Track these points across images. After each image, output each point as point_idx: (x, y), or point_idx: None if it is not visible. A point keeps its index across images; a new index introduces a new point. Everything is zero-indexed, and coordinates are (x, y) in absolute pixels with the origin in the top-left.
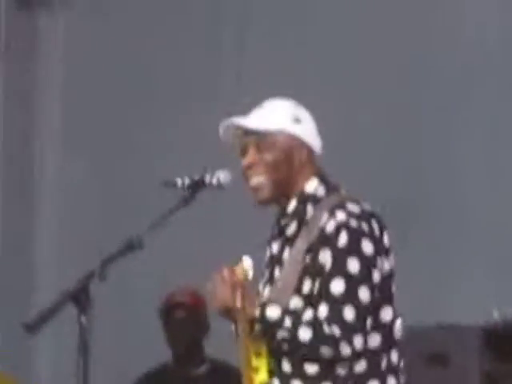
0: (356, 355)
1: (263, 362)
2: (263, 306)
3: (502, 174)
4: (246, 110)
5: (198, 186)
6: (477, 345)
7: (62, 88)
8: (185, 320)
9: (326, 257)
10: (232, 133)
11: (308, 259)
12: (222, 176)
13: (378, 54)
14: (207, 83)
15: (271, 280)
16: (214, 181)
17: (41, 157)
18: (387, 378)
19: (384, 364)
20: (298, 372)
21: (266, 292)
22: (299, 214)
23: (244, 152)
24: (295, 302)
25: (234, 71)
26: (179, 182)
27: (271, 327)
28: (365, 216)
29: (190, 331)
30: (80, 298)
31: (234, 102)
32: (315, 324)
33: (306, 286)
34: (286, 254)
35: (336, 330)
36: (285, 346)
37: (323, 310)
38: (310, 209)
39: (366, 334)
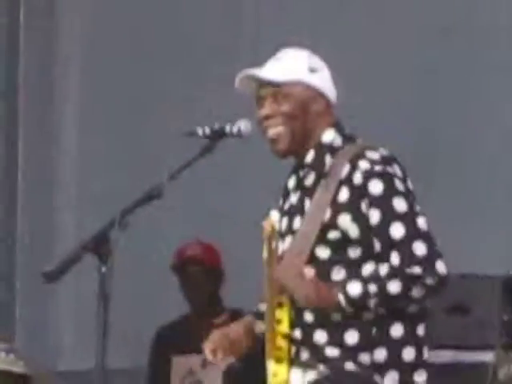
0: (445, 278)
1: (285, 313)
2: (343, 288)
3: None
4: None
5: (218, 135)
6: (497, 295)
7: (81, 58)
8: (198, 274)
9: (367, 209)
10: (248, 84)
11: (333, 211)
12: (243, 125)
13: (398, 11)
14: (225, 48)
15: (290, 230)
16: (235, 130)
17: (61, 106)
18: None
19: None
20: (321, 321)
21: (287, 243)
22: (318, 165)
23: (260, 103)
24: (321, 251)
25: (251, 36)
26: (200, 131)
27: (361, 301)
28: (387, 160)
29: (205, 284)
30: (100, 247)
31: (252, 66)
32: (397, 273)
33: (332, 235)
34: (306, 204)
35: (417, 270)
36: (381, 310)
37: (395, 258)
38: (328, 159)
39: (441, 257)
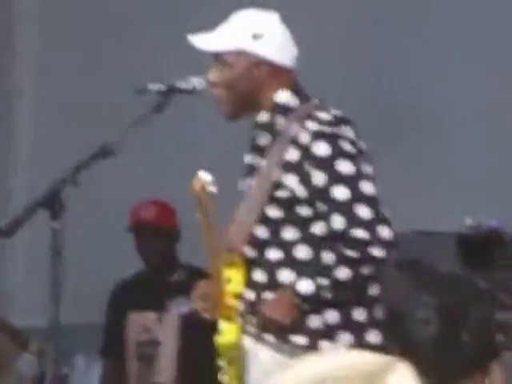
0: (390, 244)
1: (236, 272)
2: (294, 290)
3: (486, 82)
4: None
5: (171, 91)
6: (449, 251)
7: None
8: (152, 236)
9: (312, 171)
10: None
11: (282, 170)
12: (197, 82)
13: None
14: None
15: (246, 190)
16: (188, 86)
17: (19, 55)
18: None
19: None
20: (273, 281)
21: (243, 202)
22: (269, 125)
23: (209, 68)
24: (272, 211)
25: None
26: (152, 87)
27: (316, 297)
28: (337, 121)
29: (159, 245)
30: (53, 203)
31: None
32: (342, 260)
33: (282, 194)
34: (260, 164)
35: (360, 233)
36: (339, 298)
37: (338, 221)
38: (280, 120)
39: (388, 222)
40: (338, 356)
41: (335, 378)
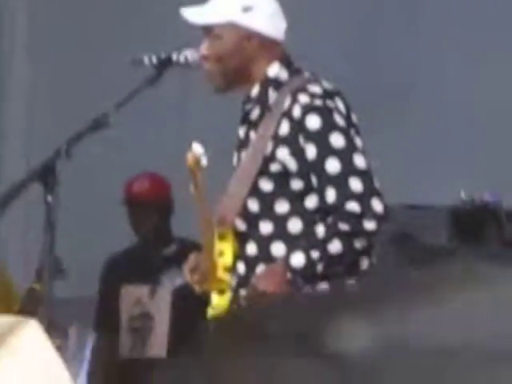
0: (383, 217)
1: (228, 246)
2: (287, 264)
3: (482, 57)
4: None
5: (164, 64)
6: (443, 225)
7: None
8: (145, 209)
9: (304, 144)
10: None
11: (274, 144)
12: (190, 54)
13: None
14: None
15: (239, 164)
16: (181, 59)
17: (10, 22)
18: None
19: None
20: (265, 254)
21: (234, 175)
22: (261, 99)
23: (202, 40)
24: (264, 184)
25: None
26: (146, 59)
27: (308, 270)
28: (328, 94)
29: (152, 218)
30: (46, 176)
31: None
32: (334, 232)
33: (273, 167)
34: (252, 138)
35: (354, 206)
36: (331, 271)
37: (330, 194)
38: (272, 93)
39: (380, 196)
40: None
41: None
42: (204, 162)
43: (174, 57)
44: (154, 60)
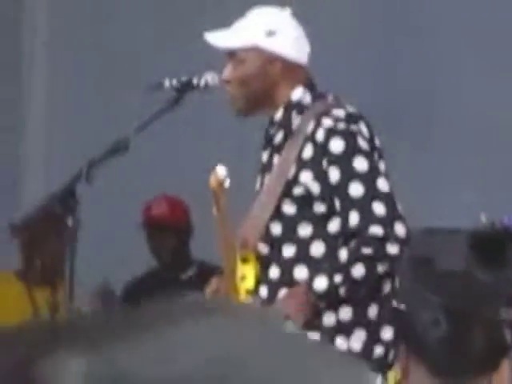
0: (405, 241)
1: (250, 269)
2: (310, 287)
3: (501, 77)
4: (232, 21)
5: (185, 87)
6: (463, 249)
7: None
8: (164, 233)
9: (327, 167)
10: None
11: (297, 167)
12: (210, 78)
13: None
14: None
15: (262, 187)
16: (202, 82)
17: (30, 53)
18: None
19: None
20: (287, 278)
21: (257, 198)
22: (285, 123)
23: (225, 64)
24: (287, 207)
25: None
26: (167, 83)
27: (330, 294)
28: (352, 118)
29: (171, 242)
30: (67, 199)
31: (222, 11)
32: (357, 257)
33: (297, 191)
34: (275, 161)
35: (377, 230)
36: (354, 295)
37: (354, 218)
38: (295, 117)
39: (403, 219)
40: None
41: None
42: (227, 184)
43: (195, 80)
44: (175, 83)
